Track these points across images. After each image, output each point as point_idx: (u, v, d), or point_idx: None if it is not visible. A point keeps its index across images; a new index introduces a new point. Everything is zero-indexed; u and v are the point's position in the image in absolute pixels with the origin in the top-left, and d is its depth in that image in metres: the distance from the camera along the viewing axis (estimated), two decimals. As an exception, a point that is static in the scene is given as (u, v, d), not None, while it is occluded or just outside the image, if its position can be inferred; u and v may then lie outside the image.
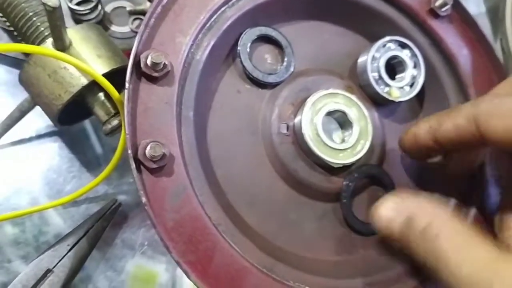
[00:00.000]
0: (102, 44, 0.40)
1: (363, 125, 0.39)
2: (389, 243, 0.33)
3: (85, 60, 0.38)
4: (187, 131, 0.35)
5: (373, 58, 0.42)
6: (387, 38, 0.42)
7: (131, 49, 0.34)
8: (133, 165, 0.31)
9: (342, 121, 0.40)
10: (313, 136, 0.38)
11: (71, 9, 0.48)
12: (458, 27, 0.45)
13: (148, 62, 0.33)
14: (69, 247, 0.41)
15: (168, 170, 0.33)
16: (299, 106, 0.39)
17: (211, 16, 0.37)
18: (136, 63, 0.33)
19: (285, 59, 0.41)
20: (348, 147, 0.38)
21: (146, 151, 0.32)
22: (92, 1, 0.48)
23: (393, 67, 0.43)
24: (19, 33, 0.43)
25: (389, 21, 0.44)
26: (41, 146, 0.48)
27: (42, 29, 0.41)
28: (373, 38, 0.43)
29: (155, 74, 0.33)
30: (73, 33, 0.39)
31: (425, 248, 0.28)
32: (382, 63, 0.42)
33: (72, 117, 0.45)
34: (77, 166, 0.47)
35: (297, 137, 0.38)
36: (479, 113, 0.30)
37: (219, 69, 0.39)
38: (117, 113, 0.40)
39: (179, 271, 0.45)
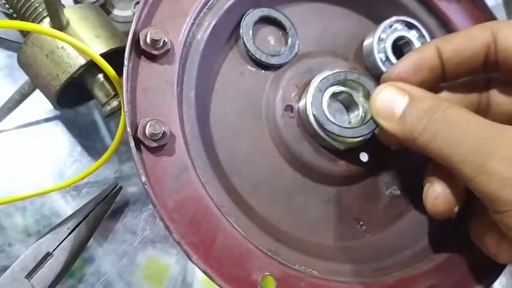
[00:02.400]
0: (101, 24, 0.40)
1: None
2: (386, 138, 0.36)
3: (83, 40, 0.37)
4: (188, 111, 0.34)
5: (379, 39, 0.41)
6: (394, 18, 0.41)
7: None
8: (133, 144, 0.31)
9: (348, 103, 0.39)
10: None
11: None
12: (466, 7, 0.44)
13: (148, 39, 0.32)
14: (69, 231, 0.41)
15: (169, 149, 0.32)
16: (303, 87, 0.38)
17: None
18: (135, 40, 0.33)
19: (289, 40, 0.40)
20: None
21: (146, 129, 0.31)
22: (94, -15, 0.48)
23: (400, 48, 0.42)
24: (18, 15, 0.42)
25: (395, 1, 0.43)
26: (43, 131, 0.48)
27: (40, 10, 0.40)
28: (378, 19, 0.42)
29: (155, 52, 0.33)
30: (71, 12, 0.39)
31: (426, 129, 0.29)
32: (389, 44, 0.41)
33: (72, 99, 0.45)
34: (78, 150, 0.47)
35: (301, 119, 0.38)
36: (495, 24, 0.32)
37: (221, 50, 0.38)
38: (116, 95, 0.40)
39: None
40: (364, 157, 0.39)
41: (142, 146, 0.31)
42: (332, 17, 0.43)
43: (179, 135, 0.33)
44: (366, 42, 0.42)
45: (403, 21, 0.41)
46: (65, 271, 0.41)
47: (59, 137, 0.47)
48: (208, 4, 0.36)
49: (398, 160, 0.40)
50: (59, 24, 0.37)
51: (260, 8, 0.39)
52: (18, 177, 0.46)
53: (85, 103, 0.48)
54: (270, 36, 0.40)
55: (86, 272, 0.43)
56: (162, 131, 0.31)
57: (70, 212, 0.42)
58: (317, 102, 0.36)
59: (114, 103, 0.39)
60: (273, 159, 0.38)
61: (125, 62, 0.32)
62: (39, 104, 0.47)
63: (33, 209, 0.44)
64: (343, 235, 0.38)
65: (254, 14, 0.39)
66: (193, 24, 0.35)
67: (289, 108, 0.38)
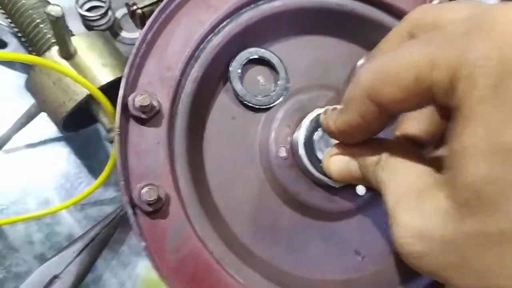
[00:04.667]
0: (108, 52, 0.41)
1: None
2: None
3: (90, 68, 0.39)
4: (181, 167, 0.35)
5: (369, 69, 0.40)
6: (382, 45, 0.40)
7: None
8: (130, 211, 0.32)
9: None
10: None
11: (81, 15, 0.50)
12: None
13: (136, 104, 0.33)
14: (75, 254, 0.42)
15: (165, 210, 0.33)
16: (295, 127, 0.39)
17: (197, 46, 0.36)
18: (124, 105, 0.33)
19: (279, 78, 0.40)
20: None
21: (142, 195, 0.32)
22: (103, 7, 0.49)
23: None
24: (27, 39, 0.44)
25: (386, 28, 0.42)
26: (50, 151, 0.50)
27: (49, 36, 0.42)
28: (369, 45, 0.42)
29: (144, 116, 0.33)
30: (79, 41, 0.40)
31: (374, 180, 0.29)
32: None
33: (78, 123, 0.46)
34: (85, 172, 0.49)
35: (295, 160, 0.38)
36: (368, 90, 0.26)
37: (211, 97, 0.39)
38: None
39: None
40: (360, 190, 0.39)
41: (138, 210, 0.32)
42: (322, 49, 0.43)
43: (174, 196, 0.33)
44: (357, 70, 0.42)
45: (393, 47, 0.41)
46: (72, 293, 0.42)
47: (66, 158, 0.50)
48: (195, 55, 0.37)
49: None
50: (66, 52, 0.39)
51: (247, 50, 0.39)
52: (26, 197, 0.48)
53: (90, 126, 0.49)
54: (260, 76, 0.40)
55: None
56: (157, 196, 0.32)
57: (77, 234, 0.45)
58: (309, 143, 0.36)
59: None
60: (271, 201, 0.38)
61: (116, 129, 0.33)
62: (47, 126, 0.49)
63: (40, 229, 0.47)
64: (345, 269, 0.39)
65: (241, 57, 0.39)
66: (180, 79, 0.36)
67: (282, 149, 0.38)
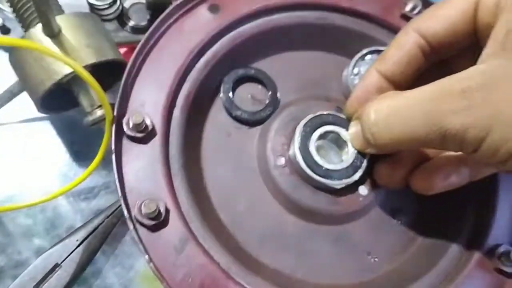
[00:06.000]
0: (94, 34, 0.40)
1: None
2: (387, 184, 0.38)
3: (73, 48, 0.38)
4: (180, 183, 0.35)
5: (353, 74, 0.42)
6: (364, 51, 0.42)
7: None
8: (131, 227, 0.32)
9: (337, 141, 0.40)
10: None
11: (90, 4, 0.49)
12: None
13: (130, 124, 0.34)
14: (78, 242, 0.42)
15: (167, 224, 0.33)
16: (291, 136, 0.39)
17: (187, 68, 0.38)
18: (119, 126, 0.34)
19: (269, 94, 0.41)
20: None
21: (142, 209, 0.32)
22: (111, -3, 0.49)
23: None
24: (17, 16, 0.43)
25: (365, 36, 0.44)
26: (53, 139, 0.49)
27: (36, 14, 0.40)
28: (353, 54, 0.43)
29: (139, 135, 0.34)
30: (64, 20, 0.39)
31: (377, 133, 0.32)
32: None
33: (61, 104, 0.45)
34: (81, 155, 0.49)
35: (294, 166, 0.38)
36: (415, 21, 0.34)
37: (205, 116, 0.40)
38: (101, 105, 0.40)
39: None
40: (363, 190, 0.39)
41: (140, 226, 0.33)
42: (308, 62, 0.44)
43: (174, 210, 0.34)
44: (343, 79, 0.43)
45: (376, 50, 0.42)
46: (73, 282, 0.41)
47: (69, 147, 0.49)
48: (184, 75, 0.38)
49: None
50: (50, 31, 0.38)
51: (236, 70, 0.41)
52: (27, 187, 0.47)
53: (73, 109, 0.46)
54: (251, 93, 0.42)
55: (92, 283, 0.44)
56: (158, 210, 0.32)
57: (79, 224, 0.44)
58: (304, 148, 0.37)
59: (98, 113, 0.40)
60: (273, 210, 0.38)
61: (113, 147, 0.34)
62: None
63: (43, 218, 0.46)
64: (358, 271, 0.38)
65: (230, 78, 0.41)
66: (172, 98, 0.37)
67: (280, 159, 0.39)
